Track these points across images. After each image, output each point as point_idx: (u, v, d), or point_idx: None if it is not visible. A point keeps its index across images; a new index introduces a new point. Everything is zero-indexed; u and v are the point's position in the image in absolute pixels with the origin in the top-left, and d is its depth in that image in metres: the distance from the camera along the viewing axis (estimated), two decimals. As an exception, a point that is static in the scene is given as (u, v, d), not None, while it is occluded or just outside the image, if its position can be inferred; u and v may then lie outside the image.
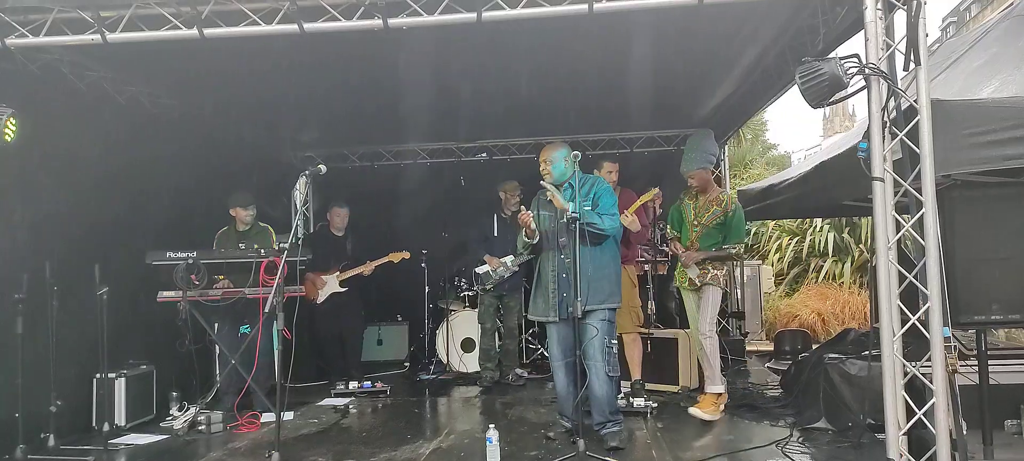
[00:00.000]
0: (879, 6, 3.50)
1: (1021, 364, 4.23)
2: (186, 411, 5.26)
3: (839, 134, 17.86)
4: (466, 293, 7.51)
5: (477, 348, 6.99)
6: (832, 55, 3.65)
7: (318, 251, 6.32)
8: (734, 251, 5.19)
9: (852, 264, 11.02)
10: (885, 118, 3.50)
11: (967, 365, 3.70)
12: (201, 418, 5.18)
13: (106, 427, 4.76)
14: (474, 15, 3.82)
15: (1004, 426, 3.94)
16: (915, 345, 3.49)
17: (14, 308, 4.38)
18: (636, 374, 5.69)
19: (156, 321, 5.46)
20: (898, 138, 3.47)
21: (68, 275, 4.74)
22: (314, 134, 7.94)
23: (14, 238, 4.67)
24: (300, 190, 8.76)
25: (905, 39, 3.43)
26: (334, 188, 7.72)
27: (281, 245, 5.46)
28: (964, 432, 3.40)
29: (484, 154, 8.51)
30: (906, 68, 3.47)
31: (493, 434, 4.05)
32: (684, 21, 4.51)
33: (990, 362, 3.66)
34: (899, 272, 3.48)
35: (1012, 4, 4.83)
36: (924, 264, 3.37)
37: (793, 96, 6.14)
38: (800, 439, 4.49)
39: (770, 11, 4.56)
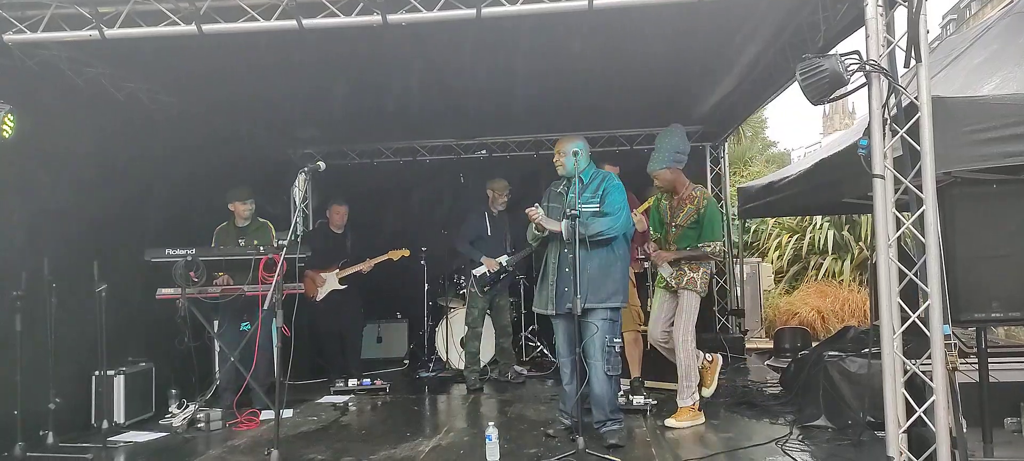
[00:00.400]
0: (880, 3, 3.49)
1: (1021, 362, 4.24)
2: (185, 408, 5.25)
3: (839, 131, 17.87)
4: (465, 291, 7.48)
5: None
6: (833, 52, 3.64)
7: (318, 248, 6.31)
8: (709, 249, 4.90)
9: (852, 262, 11.02)
10: (885, 115, 3.50)
11: (967, 363, 3.71)
12: (200, 415, 5.17)
13: (105, 425, 4.75)
14: (473, 11, 3.81)
15: (1004, 424, 3.94)
16: (915, 343, 3.49)
17: (13, 305, 4.37)
18: (636, 372, 5.69)
19: (155, 318, 5.45)
20: (899, 135, 3.47)
21: (67, 272, 4.72)
22: (313, 131, 7.93)
23: (12, 235, 4.66)
24: (299, 187, 8.77)
25: (906, 36, 3.42)
26: (333, 185, 7.71)
27: (280, 242, 5.46)
28: (964, 430, 3.40)
29: (483, 151, 8.49)
30: (907, 65, 3.46)
31: (492, 432, 4.06)
32: (684, 18, 4.50)
33: (990, 360, 3.66)
34: (899, 269, 3.47)
35: (1012, 1, 4.82)
36: (924, 262, 3.37)
37: (793, 93, 6.13)
38: (800, 437, 4.49)
39: (770, 8, 4.56)
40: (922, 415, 3.41)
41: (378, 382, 6.54)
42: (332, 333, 6.92)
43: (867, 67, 3.47)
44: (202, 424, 5.13)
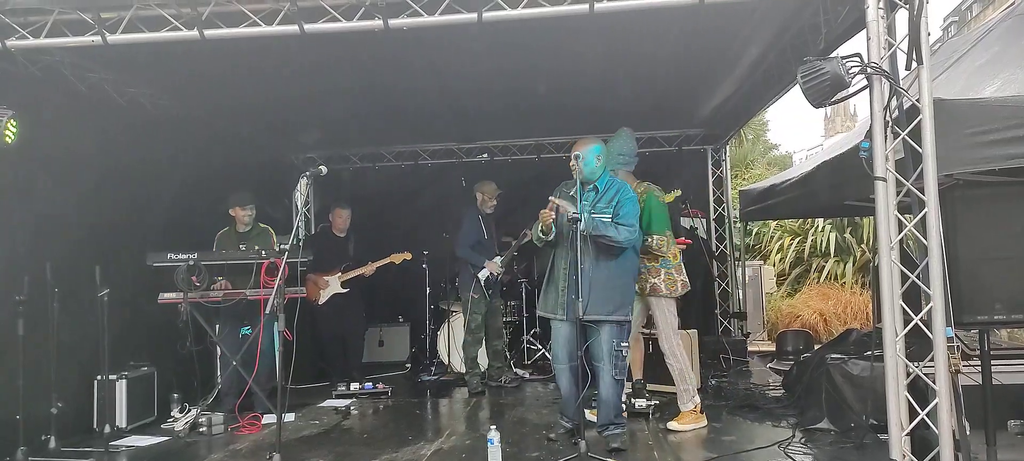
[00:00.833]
0: (881, 5, 3.49)
1: (1024, 364, 4.21)
2: (187, 413, 5.25)
3: (841, 134, 17.88)
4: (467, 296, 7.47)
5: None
6: (834, 54, 3.64)
7: (320, 252, 6.31)
8: (654, 242, 4.71)
9: (854, 264, 11.00)
10: (887, 117, 3.50)
11: (970, 365, 3.69)
12: (202, 420, 5.17)
13: (107, 429, 4.75)
14: (474, 16, 3.81)
15: (1007, 426, 3.93)
16: (918, 345, 3.48)
17: (15, 309, 4.38)
18: (638, 375, 5.67)
19: (157, 322, 5.46)
20: (900, 137, 3.47)
21: (69, 277, 4.74)
22: (315, 135, 7.93)
23: (15, 240, 4.67)
24: (301, 191, 8.81)
25: (907, 38, 3.43)
26: (335, 189, 7.71)
27: (282, 246, 5.46)
28: (967, 433, 3.39)
29: (485, 155, 8.49)
30: (908, 67, 3.46)
31: (494, 435, 4.04)
32: (685, 21, 4.51)
33: (993, 362, 3.64)
34: (901, 272, 3.47)
35: (1014, 3, 4.82)
36: (927, 264, 3.37)
37: (794, 96, 6.13)
38: (802, 440, 4.48)
39: (771, 10, 4.55)
40: (925, 418, 3.41)
41: (380, 386, 6.53)
42: (334, 337, 6.92)
43: (868, 69, 3.47)
44: (204, 428, 5.12)
